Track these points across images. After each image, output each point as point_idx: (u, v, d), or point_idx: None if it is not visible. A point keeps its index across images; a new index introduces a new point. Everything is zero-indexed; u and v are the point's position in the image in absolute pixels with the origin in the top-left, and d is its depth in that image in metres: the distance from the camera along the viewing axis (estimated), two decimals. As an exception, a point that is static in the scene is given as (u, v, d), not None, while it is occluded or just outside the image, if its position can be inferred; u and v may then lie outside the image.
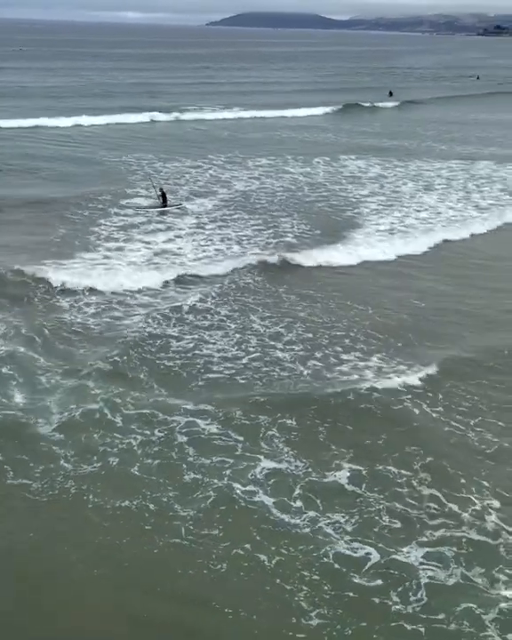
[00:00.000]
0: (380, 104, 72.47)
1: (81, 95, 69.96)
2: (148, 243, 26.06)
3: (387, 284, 22.95)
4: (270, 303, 20.75)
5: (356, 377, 16.19)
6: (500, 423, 14.60)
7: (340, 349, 17.72)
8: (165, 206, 30.62)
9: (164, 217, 29.70)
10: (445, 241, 27.55)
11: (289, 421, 14.16)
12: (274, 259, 24.14)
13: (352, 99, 73.00)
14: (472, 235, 28.68)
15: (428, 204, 32.96)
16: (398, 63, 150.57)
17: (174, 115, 58.61)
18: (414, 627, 9.34)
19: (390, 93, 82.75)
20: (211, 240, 26.64)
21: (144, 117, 56.53)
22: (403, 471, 12.79)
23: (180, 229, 27.94)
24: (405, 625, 9.38)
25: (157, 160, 40.58)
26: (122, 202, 31.17)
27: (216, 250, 25.52)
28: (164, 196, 30.91)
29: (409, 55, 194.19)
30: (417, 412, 14.83)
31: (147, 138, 48.85)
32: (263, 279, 22.66)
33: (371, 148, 47.76)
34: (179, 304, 20.07)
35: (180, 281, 22.31)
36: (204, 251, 25.40)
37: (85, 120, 52.78)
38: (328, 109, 66.43)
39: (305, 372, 16.40)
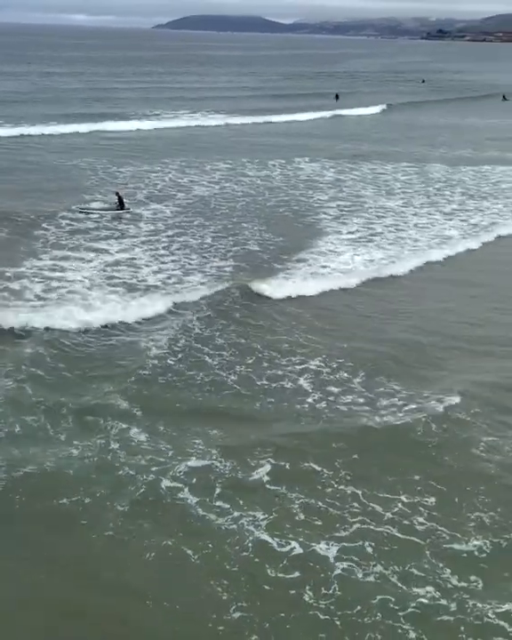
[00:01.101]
0: (362, 111, 72.02)
1: (27, 101, 68.22)
2: (102, 252, 25.18)
3: (366, 308, 21.28)
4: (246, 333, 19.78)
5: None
6: (423, 418, 14.75)
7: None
8: (122, 209, 30.52)
9: (120, 222, 29.21)
10: (428, 263, 25.81)
11: (213, 431, 14.23)
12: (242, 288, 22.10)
13: (303, 104, 73.23)
14: (448, 257, 26.62)
15: (394, 210, 32.81)
16: (344, 67, 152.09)
17: (125, 122, 56.85)
18: (330, 618, 9.70)
19: (337, 97, 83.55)
20: (169, 249, 25.90)
21: (94, 126, 53.84)
22: (325, 470, 12.99)
23: (134, 237, 27.20)
24: (321, 616, 9.75)
25: (112, 165, 40.24)
26: (74, 206, 30.42)
27: (173, 261, 24.64)
28: (120, 200, 30.78)
29: (355, 59, 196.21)
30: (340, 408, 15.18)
31: (99, 145, 48.19)
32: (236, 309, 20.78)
33: (326, 150, 48.20)
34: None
35: (142, 312, 20.04)
36: (160, 263, 24.41)
37: (33, 130, 50.29)
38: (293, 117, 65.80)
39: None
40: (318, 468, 13.00)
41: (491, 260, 26.89)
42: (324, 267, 24.74)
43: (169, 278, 23.02)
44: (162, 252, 25.67)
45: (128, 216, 30.11)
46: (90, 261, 24.19)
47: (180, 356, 17.29)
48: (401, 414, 14.96)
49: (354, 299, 22.04)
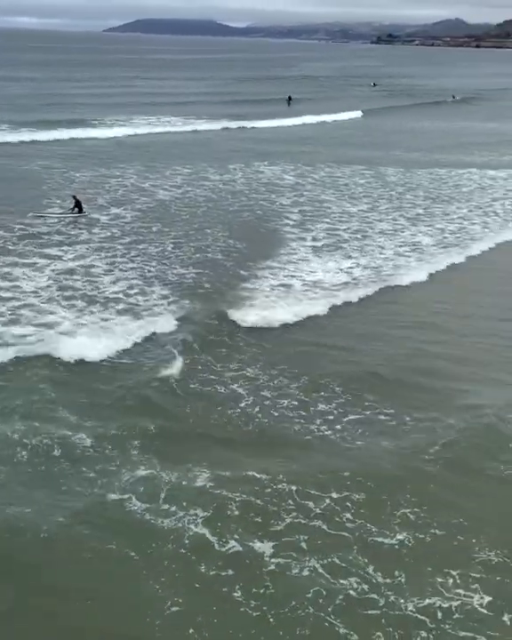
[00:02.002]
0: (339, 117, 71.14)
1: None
2: (56, 259, 24.22)
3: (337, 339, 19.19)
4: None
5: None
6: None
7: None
8: (80, 213, 29.65)
9: (76, 227, 28.29)
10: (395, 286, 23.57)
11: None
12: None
13: (258, 110, 72.62)
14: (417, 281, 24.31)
15: (357, 216, 32.21)
16: (298, 71, 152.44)
17: (82, 129, 54.61)
18: (262, 614, 9.96)
19: (289, 99, 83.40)
20: (128, 256, 24.98)
21: (51, 133, 51.61)
22: (264, 476, 12.89)
23: (86, 243, 26.26)
24: (252, 612, 9.99)
25: (68, 170, 39.15)
26: (31, 213, 29.41)
27: (132, 269, 23.67)
28: (78, 203, 29.87)
29: (307, 62, 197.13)
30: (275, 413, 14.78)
31: (55, 151, 46.89)
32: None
33: (285, 154, 47.77)
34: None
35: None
36: (119, 270, 23.48)
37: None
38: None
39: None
40: (258, 475, 12.91)
41: (470, 279, 25.08)
42: (293, 276, 23.72)
43: (130, 288, 22.02)
44: (120, 259, 24.76)
45: (84, 220, 29.19)
46: (42, 268, 23.19)
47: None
48: (337, 425, 14.77)
49: (335, 323, 20.49)
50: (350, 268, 24.84)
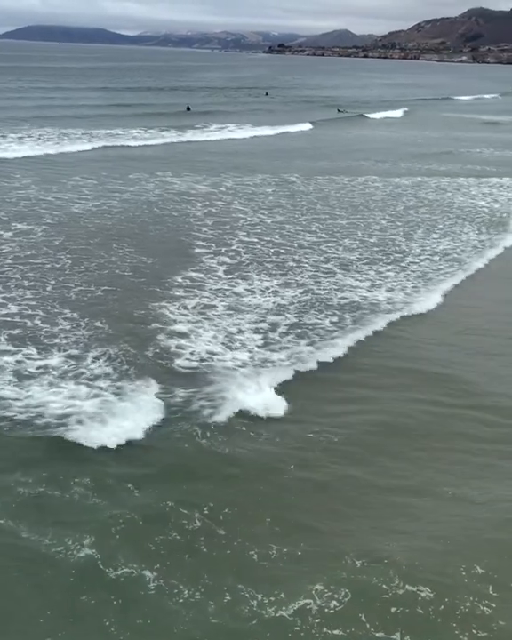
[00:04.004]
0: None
1: None
2: None
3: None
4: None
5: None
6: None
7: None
8: None
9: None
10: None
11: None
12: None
13: (159, 123, 70.49)
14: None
15: (272, 227, 30.75)
16: (193, 80, 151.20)
17: None
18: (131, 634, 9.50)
19: (188, 108, 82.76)
20: (23, 273, 22.53)
21: None
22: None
23: None
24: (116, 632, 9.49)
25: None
26: None
27: (27, 288, 21.38)
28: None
29: (202, 71, 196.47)
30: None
31: None
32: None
33: (190, 164, 46.17)
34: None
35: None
36: (8, 291, 21.01)
37: None
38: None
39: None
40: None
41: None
42: (216, 295, 21.86)
43: (28, 312, 19.52)
44: (14, 276, 22.43)
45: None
46: None
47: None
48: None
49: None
50: (269, 287, 22.99)
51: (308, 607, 9.87)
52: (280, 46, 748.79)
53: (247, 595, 10.05)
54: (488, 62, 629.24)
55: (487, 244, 29.31)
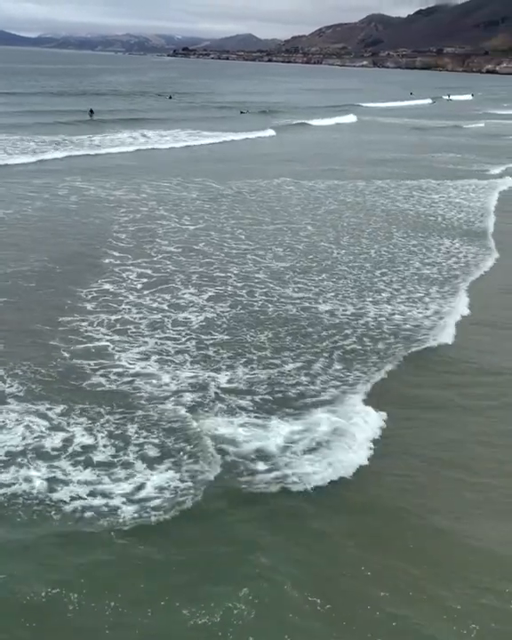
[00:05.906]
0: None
1: None
2: None
3: None
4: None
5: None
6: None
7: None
8: None
9: None
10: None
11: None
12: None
13: (69, 131, 67.04)
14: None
15: (196, 234, 28.69)
16: (97, 83, 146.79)
17: None
18: None
19: (91, 112, 79.19)
20: None
21: None
22: None
23: None
24: None
25: None
26: None
27: None
28: None
29: (106, 74, 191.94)
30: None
31: None
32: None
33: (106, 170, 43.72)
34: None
35: None
36: None
37: None
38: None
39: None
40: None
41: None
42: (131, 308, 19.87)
43: None
44: None
45: None
46: None
47: None
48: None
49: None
50: (196, 300, 20.98)
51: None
52: (185, 50, 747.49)
53: None
54: (388, 67, 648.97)
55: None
